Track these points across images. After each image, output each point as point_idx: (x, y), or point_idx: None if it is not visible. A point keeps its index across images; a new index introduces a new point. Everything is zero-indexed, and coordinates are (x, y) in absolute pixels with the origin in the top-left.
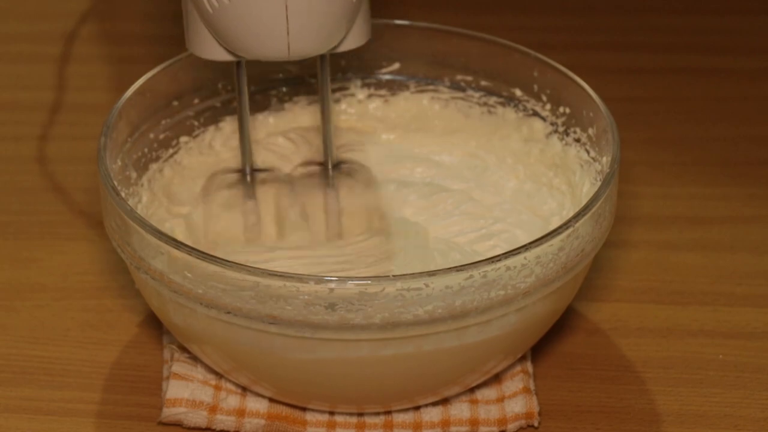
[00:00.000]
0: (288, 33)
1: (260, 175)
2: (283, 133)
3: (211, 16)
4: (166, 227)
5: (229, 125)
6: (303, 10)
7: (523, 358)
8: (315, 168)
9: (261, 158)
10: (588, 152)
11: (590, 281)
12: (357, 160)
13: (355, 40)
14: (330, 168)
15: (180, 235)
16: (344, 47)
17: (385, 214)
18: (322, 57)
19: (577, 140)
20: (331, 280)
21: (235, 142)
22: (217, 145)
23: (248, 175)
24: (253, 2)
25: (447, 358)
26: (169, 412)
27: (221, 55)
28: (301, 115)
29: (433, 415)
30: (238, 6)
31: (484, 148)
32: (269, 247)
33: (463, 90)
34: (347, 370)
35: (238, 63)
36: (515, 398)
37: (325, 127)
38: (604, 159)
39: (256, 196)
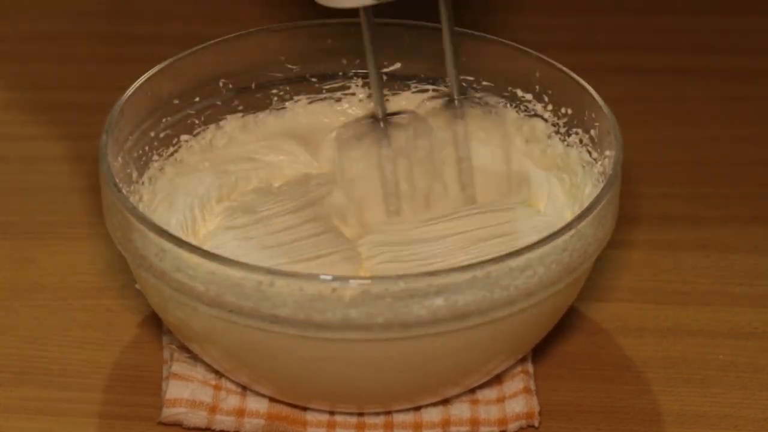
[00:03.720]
0: None
1: (393, 120)
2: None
3: None
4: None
5: (230, 123)
6: None
7: (523, 359)
8: (442, 101)
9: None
10: (590, 153)
11: (591, 281)
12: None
13: None
14: (457, 100)
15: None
16: None
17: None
18: None
19: (579, 141)
20: (334, 280)
21: (237, 142)
22: (219, 145)
23: (381, 122)
24: None
25: (449, 358)
26: (169, 413)
27: (352, 0)
28: (302, 114)
29: (433, 415)
30: None
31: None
32: (410, 225)
33: (465, 90)
34: (349, 370)
35: (366, 10)
36: (516, 398)
37: (449, 57)
38: (606, 160)
39: (391, 145)
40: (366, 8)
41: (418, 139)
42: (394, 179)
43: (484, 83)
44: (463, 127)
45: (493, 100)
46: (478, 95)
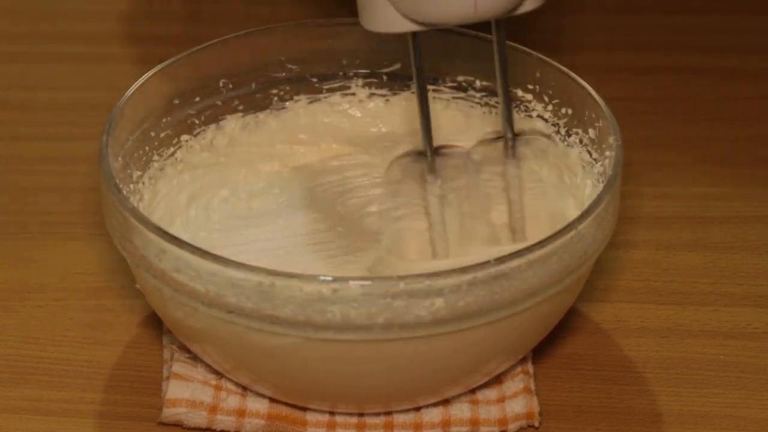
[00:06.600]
0: None
1: (440, 156)
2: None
3: None
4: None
5: (230, 123)
6: None
7: (523, 359)
8: (496, 143)
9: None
10: (590, 153)
11: (591, 281)
12: (538, 130)
13: (534, 0)
14: (510, 140)
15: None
16: (525, 8)
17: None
18: (497, 24)
19: (580, 141)
20: (334, 280)
21: (237, 143)
22: (220, 145)
23: (429, 156)
24: None
25: (449, 358)
26: (169, 413)
27: (401, 25)
28: (302, 114)
29: (433, 415)
30: None
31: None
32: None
33: (465, 90)
34: (349, 371)
35: (414, 35)
36: (516, 398)
37: (505, 99)
38: (607, 161)
39: (439, 181)
40: (414, 34)
41: (468, 179)
42: (440, 219)
43: (484, 83)
44: (516, 169)
45: (543, 140)
46: (527, 135)
